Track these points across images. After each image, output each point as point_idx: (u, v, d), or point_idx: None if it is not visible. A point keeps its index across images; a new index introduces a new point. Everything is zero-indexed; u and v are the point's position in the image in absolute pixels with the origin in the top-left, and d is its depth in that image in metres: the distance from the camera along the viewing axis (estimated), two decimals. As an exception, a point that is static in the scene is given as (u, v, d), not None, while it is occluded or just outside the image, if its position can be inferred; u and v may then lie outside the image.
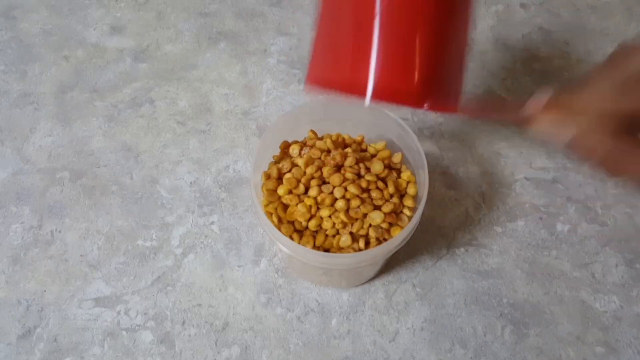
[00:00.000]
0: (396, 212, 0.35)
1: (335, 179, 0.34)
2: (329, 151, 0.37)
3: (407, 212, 0.35)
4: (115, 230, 0.43)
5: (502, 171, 0.47)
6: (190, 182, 0.46)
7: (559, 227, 0.44)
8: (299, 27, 0.55)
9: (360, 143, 0.39)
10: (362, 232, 0.34)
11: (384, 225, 0.34)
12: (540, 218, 0.44)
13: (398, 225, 0.35)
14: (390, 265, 0.42)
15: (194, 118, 0.49)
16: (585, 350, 0.39)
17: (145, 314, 0.40)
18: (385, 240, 0.34)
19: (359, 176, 0.35)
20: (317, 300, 0.41)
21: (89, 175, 0.46)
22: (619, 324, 0.40)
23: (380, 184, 0.35)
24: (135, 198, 0.45)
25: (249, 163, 0.47)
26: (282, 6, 0.57)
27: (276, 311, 0.40)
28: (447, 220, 0.44)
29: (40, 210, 0.44)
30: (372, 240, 0.34)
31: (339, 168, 0.36)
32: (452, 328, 0.40)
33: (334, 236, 0.35)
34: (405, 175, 0.37)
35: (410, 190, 0.36)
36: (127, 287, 0.41)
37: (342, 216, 0.34)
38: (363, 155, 0.37)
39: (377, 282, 0.41)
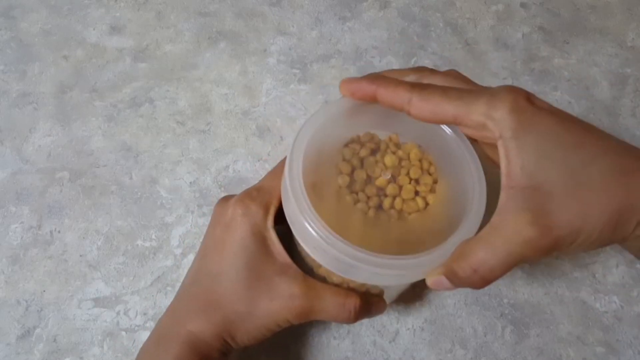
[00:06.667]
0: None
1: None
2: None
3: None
4: (115, 230, 0.43)
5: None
6: (190, 182, 0.46)
7: (559, 227, 0.44)
8: (299, 27, 0.55)
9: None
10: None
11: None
12: (541, 218, 0.44)
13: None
14: (390, 265, 0.42)
15: (193, 118, 0.49)
16: (585, 351, 0.39)
17: (144, 314, 0.40)
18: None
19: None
20: (317, 301, 0.41)
21: (88, 175, 0.46)
22: (620, 324, 0.40)
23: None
24: (134, 198, 0.45)
25: (249, 163, 0.47)
26: (282, 6, 0.57)
27: (276, 311, 0.40)
28: (447, 220, 0.44)
29: (39, 210, 0.44)
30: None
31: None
32: (452, 328, 0.40)
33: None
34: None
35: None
36: (126, 288, 0.41)
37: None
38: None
39: (377, 282, 0.41)
